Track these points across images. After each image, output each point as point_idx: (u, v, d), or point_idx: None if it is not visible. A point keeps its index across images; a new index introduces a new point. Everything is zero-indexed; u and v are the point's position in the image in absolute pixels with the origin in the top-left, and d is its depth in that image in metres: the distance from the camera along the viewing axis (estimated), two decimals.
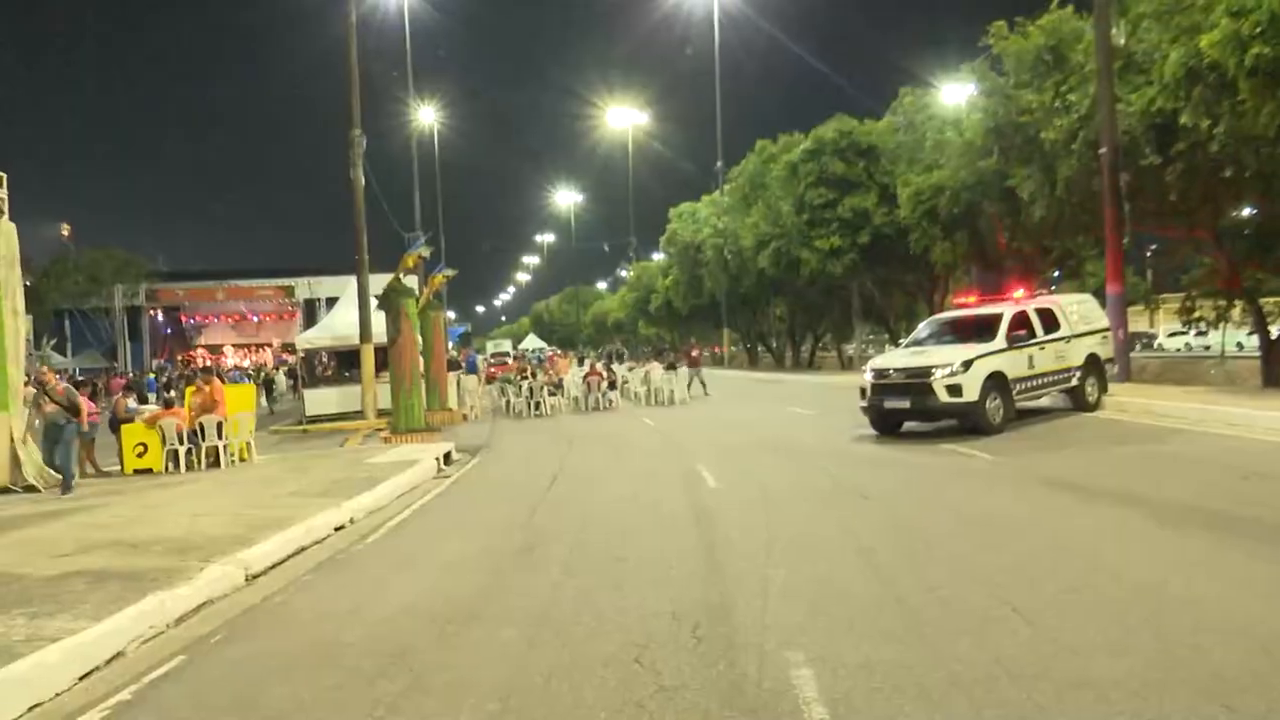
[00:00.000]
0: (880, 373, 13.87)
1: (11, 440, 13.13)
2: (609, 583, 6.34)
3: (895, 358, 14.52)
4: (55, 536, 8.76)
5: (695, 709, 4.05)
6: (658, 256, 62.12)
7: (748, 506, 8.88)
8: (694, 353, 32.15)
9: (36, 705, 4.71)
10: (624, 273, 77.14)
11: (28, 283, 14.34)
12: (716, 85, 43.63)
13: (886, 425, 14.07)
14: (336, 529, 9.06)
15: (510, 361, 43.04)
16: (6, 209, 13.37)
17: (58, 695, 4.86)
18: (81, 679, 5.06)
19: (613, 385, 25.28)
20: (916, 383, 13.26)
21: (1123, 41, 17.68)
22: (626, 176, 63.09)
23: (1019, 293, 15.44)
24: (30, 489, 13.02)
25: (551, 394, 24.51)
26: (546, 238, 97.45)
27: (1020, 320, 14.18)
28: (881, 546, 6.86)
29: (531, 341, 75.18)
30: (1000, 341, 13.66)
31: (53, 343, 52.85)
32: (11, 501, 12.17)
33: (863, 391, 14.07)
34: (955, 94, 25.99)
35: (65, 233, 70.30)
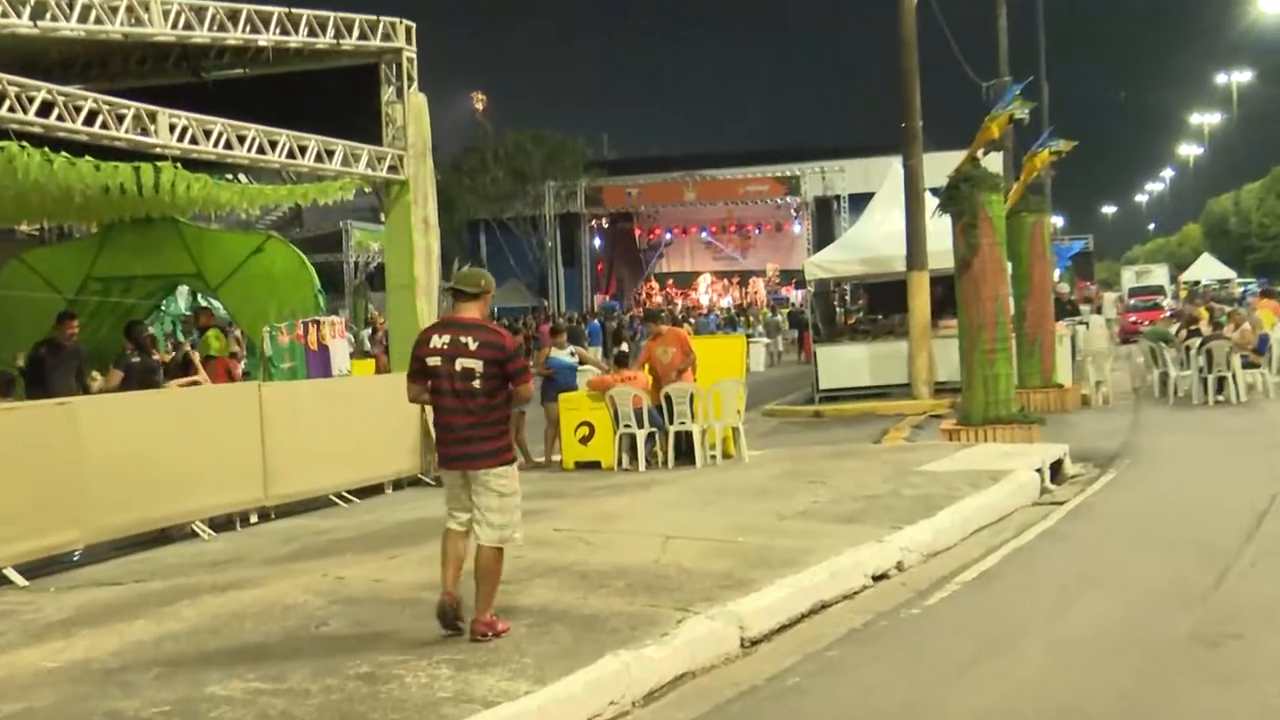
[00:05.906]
0: None
1: (425, 422, 15.66)
2: None
3: None
4: None
5: None
6: None
7: None
8: None
9: None
10: None
11: (437, 179, 16.90)
12: None
13: None
14: (875, 578, 9.51)
15: (1164, 304, 41.40)
16: (415, 75, 15.88)
17: None
18: None
19: None
20: None
21: None
22: None
23: None
24: (439, 481, 15.46)
25: (1247, 364, 23.08)
26: (1234, 77, 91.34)
27: None
28: None
29: (1205, 267, 71.24)
30: None
31: (466, 266, 61.36)
32: (424, 496, 14.51)
33: None
34: None
35: (479, 106, 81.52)
